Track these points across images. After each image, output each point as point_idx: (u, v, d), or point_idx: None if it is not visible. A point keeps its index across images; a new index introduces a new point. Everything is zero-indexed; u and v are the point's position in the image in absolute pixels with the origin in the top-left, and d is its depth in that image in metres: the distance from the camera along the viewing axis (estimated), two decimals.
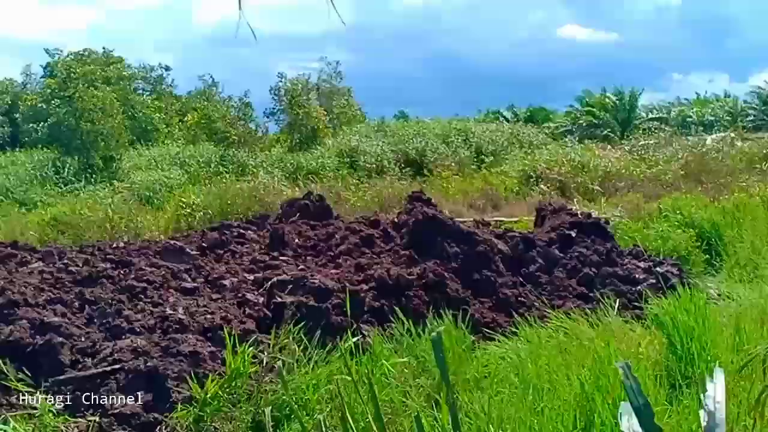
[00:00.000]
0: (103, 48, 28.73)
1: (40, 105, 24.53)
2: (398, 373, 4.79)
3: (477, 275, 7.21)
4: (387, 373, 4.68)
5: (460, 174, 18.91)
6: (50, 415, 4.00)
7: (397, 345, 5.44)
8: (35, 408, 4.12)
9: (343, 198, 14.59)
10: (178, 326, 5.34)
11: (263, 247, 8.91)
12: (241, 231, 9.88)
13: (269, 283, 6.57)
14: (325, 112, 24.76)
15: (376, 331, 5.70)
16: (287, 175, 17.76)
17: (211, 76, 29.00)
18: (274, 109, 24.91)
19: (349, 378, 4.54)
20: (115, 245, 8.90)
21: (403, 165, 19.90)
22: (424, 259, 7.37)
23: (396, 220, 9.12)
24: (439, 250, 7.55)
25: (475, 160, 21.97)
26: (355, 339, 4.98)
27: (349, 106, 29.73)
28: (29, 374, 4.46)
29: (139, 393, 4.39)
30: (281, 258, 8.10)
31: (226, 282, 6.95)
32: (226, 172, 17.44)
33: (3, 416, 4.01)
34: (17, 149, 23.37)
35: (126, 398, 4.34)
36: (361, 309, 6.15)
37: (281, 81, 24.67)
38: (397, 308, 5.96)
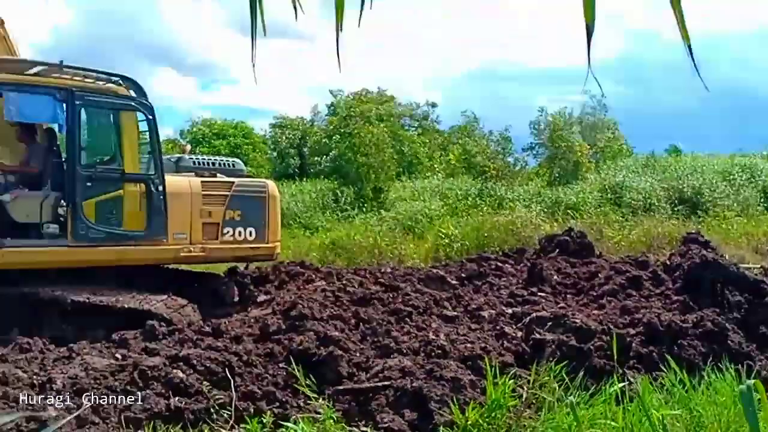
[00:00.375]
0: (378, 88, 31.52)
1: (324, 140, 27.71)
2: (670, 426, 4.40)
3: (765, 329, 6.39)
4: (656, 425, 4.32)
5: (743, 215, 16.83)
6: (331, 421, 4.45)
7: (667, 396, 5.02)
8: (318, 412, 4.61)
9: (605, 236, 13.93)
10: (440, 351, 5.57)
11: (521, 281, 8.90)
12: (499, 264, 9.98)
13: (528, 318, 6.55)
14: (588, 146, 23.97)
15: (643, 378, 5.32)
16: (545, 209, 17.48)
17: (472, 112, 30.00)
18: (532, 143, 24.89)
19: (614, 424, 4.31)
20: (383, 270, 9.62)
21: (675, 203, 18.31)
22: (700, 306, 6.74)
23: (667, 262, 8.46)
24: (718, 298, 6.85)
25: (763, 200, 19.37)
26: (621, 384, 4.71)
27: (615, 139, 28.36)
28: (314, 381, 5.02)
29: (405, 411, 4.66)
30: (539, 294, 8.02)
31: (485, 313, 7.08)
32: (483, 205, 17.80)
33: (294, 417, 4.57)
34: (304, 179, 26.59)
35: (394, 414, 4.64)
36: (626, 354, 5.81)
37: (541, 115, 24.59)
38: (667, 356, 5.51)
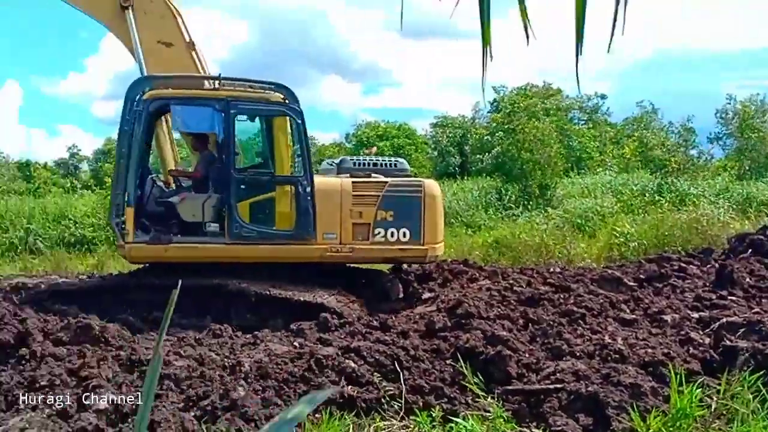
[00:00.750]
0: (544, 81, 30.68)
1: (486, 137, 27.46)
2: None
3: None
4: None
5: None
6: (501, 420, 4.37)
7: None
8: (487, 411, 4.55)
9: None
10: (617, 356, 5.27)
11: (707, 283, 8.22)
12: (682, 264, 9.32)
13: (717, 323, 5.99)
14: None
15: None
16: (734, 206, 15.87)
17: (650, 103, 28.11)
18: (719, 133, 22.78)
19: None
20: (552, 270, 9.31)
21: None
22: None
23: None
24: None
25: None
26: None
27: None
28: (481, 379, 4.96)
29: (579, 415, 4.46)
30: (730, 297, 7.32)
31: (667, 317, 6.59)
32: (663, 201, 16.55)
33: (462, 413, 4.55)
34: (465, 177, 26.53)
35: (567, 418, 4.45)
36: None
37: (729, 103, 22.43)
38: None
